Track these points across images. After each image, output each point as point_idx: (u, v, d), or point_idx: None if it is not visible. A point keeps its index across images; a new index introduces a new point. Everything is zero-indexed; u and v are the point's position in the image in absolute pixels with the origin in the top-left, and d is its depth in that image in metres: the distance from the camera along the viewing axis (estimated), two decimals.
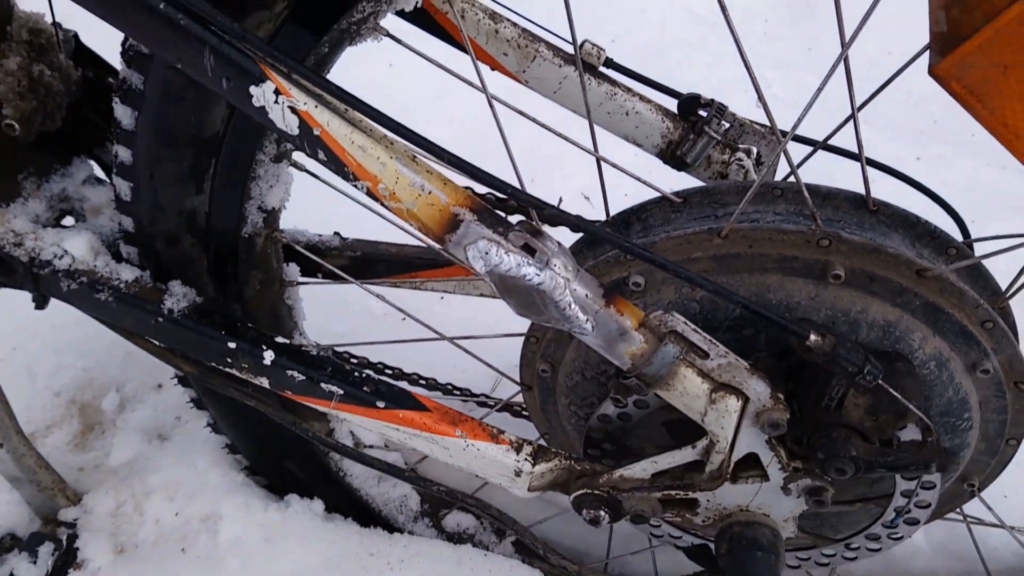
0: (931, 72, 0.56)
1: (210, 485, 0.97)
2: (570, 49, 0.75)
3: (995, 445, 0.72)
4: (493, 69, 0.76)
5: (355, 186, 0.57)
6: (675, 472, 0.69)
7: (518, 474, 0.73)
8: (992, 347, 0.65)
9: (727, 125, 0.77)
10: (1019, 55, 0.53)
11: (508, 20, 0.74)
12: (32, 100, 0.71)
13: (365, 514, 1.02)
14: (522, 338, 0.81)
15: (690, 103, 0.77)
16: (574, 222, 0.57)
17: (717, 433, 0.61)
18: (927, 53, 0.57)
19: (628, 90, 0.76)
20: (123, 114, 0.66)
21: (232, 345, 0.74)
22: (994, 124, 0.56)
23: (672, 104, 0.79)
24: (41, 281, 0.77)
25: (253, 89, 0.54)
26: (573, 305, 0.57)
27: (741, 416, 0.60)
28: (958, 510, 0.83)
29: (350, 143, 0.55)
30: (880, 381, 0.55)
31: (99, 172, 0.89)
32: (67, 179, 0.83)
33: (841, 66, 0.57)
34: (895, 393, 0.57)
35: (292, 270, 0.86)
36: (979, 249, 0.70)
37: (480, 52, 0.75)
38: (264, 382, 0.75)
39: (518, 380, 0.83)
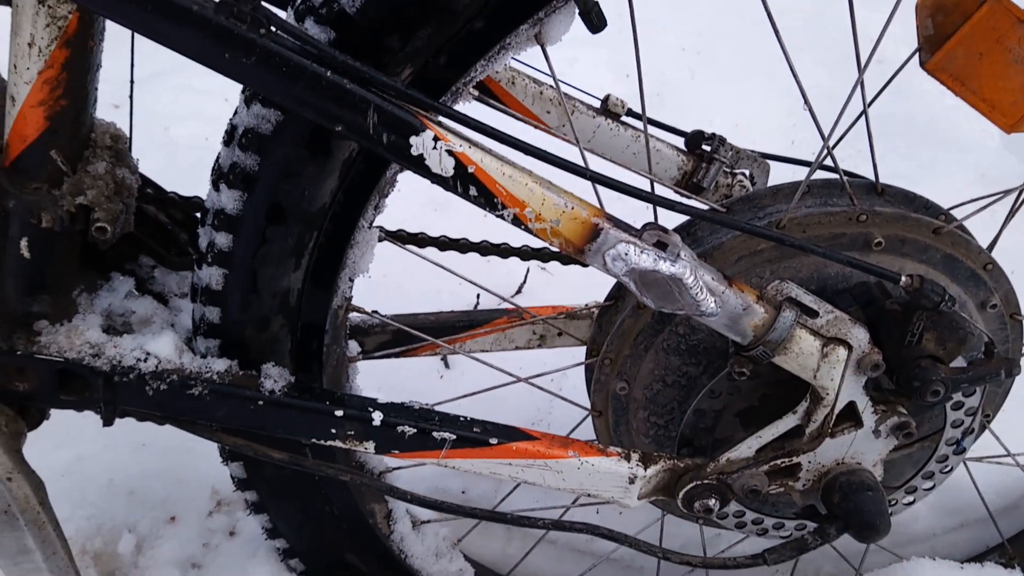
0: (924, 67, 0.72)
1: None
2: (598, 104, 0.87)
3: (1005, 376, 0.87)
4: (536, 127, 0.86)
5: (500, 215, 0.64)
6: (776, 443, 0.77)
7: (632, 480, 0.78)
8: (994, 286, 0.81)
9: (730, 152, 0.90)
10: (991, 43, 0.70)
11: (547, 84, 0.85)
12: (119, 202, 0.72)
13: None
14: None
15: (696, 138, 0.90)
16: (700, 214, 0.66)
17: (827, 386, 0.71)
18: (917, 56, 0.73)
19: (646, 133, 0.89)
20: (227, 199, 0.69)
21: (339, 413, 0.75)
22: (976, 101, 0.72)
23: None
24: (121, 390, 0.75)
25: (413, 139, 0.60)
26: (704, 289, 0.65)
27: (847, 364, 0.70)
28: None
29: (501, 175, 0.62)
30: (954, 308, 0.68)
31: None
32: (111, 294, 0.82)
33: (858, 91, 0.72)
34: (965, 317, 0.69)
35: (351, 347, 0.89)
36: (958, 215, 0.87)
37: (527, 112, 0.85)
38: (370, 446, 0.77)
39: (588, 407, 0.89)
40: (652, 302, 0.66)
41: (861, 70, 0.73)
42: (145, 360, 0.74)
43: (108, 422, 0.78)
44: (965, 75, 0.72)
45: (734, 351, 0.72)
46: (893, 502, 0.89)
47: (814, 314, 0.69)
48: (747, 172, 0.92)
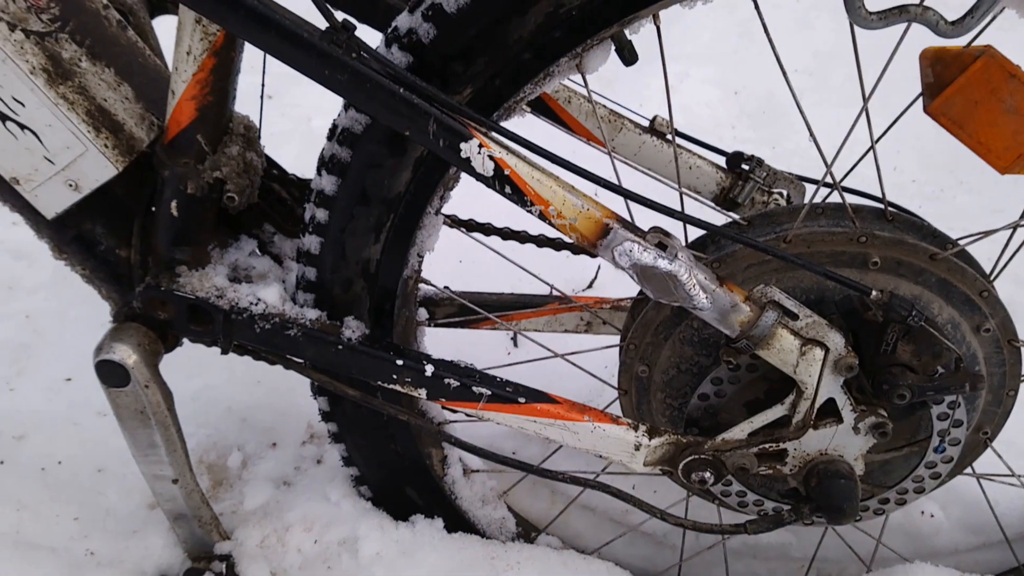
0: (926, 111, 0.80)
1: (344, 513, 1.11)
2: (645, 123, 0.99)
3: (999, 395, 0.93)
4: (589, 140, 0.99)
5: (529, 210, 0.78)
6: (767, 429, 0.87)
7: (637, 448, 0.90)
8: (989, 312, 0.87)
9: (764, 173, 1.00)
10: (985, 93, 0.77)
11: (600, 104, 0.98)
12: (246, 178, 0.91)
13: (472, 533, 1.16)
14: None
15: (736, 158, 1.01)
16: (698, 223, 0.78)
17: (805, 381, 0.81)
18: (920, 99, 0.81)
19: (690, 151, 1.00)
20: (327, 183, 0.86)
21: (400, 363, 0.91)
22: (973, 144, 0.79)
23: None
24: (235, 327, 0.94)
25: (463, 145, 0.75)
26: (696, 287, 0.77)
27: (823, 364, 0.80)
28: (971, 469, 1.03)
29: (531, 178, 0.76)
30: (923, 323, 0.76)
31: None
32: (238, 251, 1.01)
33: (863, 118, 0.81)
34: (934, 332, 0.78)
35: (420, 314, 1.05)
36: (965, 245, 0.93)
37: (580, 128, 0.99)
38: (423, 392, 0.93)
39: (615, 386, 1.02)
40: (651, 293, 0.78)
41: (865, 99, 0.82)
42: (256, 304, 0.93)
43: (225, 351, 0.97)
44: (962, 120, 0.80)
45: (724, 342, 0.83)
46: (886, 501, 0.97)
47: (795, 316, 0.79)
48: (783, 192, 1.02)
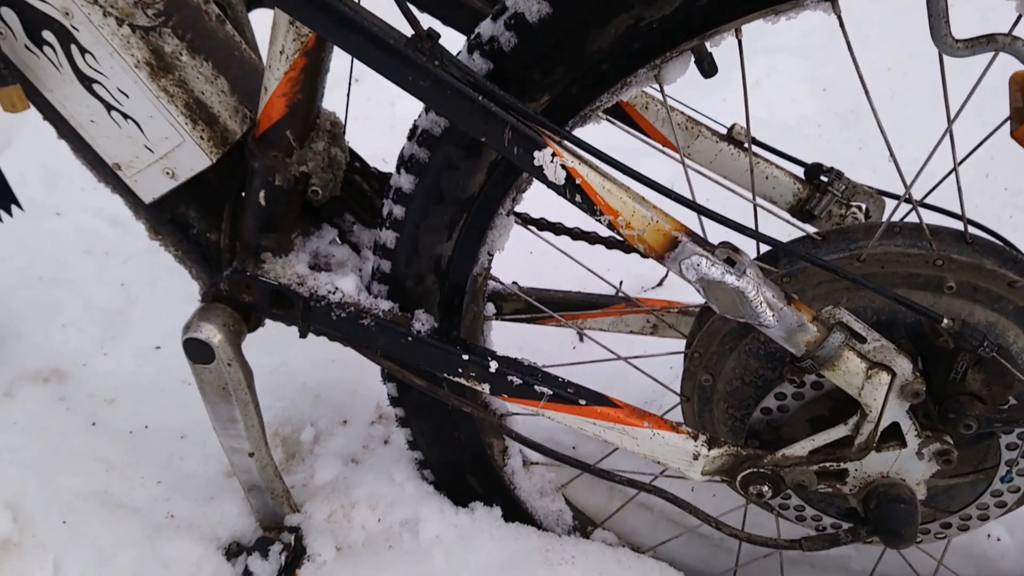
0: (1012, 135, 0.78)
1: (407, 495, 1.15)
2: (723, 131, 0.99)
3: None
4: (664, 146, 0.99)
5: (599, 220, 0.79)
6: (828, 448, 0.87)
7: (696, 457, 0.91)
8: None
9: (844, 187, 0.98)
10: None
11: (678, 110, 0.98)
12: (331, 173, 0.95)
13: (529, 523, 1.18)
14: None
15: (815, 169, 0.99)
16: (766, 239, 0.78)
17: (870, 404, 0.80)
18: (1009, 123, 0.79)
19: (767, 161, 0.99)
20: (404, 181, 0.89)
21: (465, 357, 0.94)
22: None
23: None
24: (314, 313, 0.98)
25: (536, 153, 0.76)
26: (763, 304, 0.76)
27: (890, 388, 0.79)
28: None
29: (601, 188, 0.77)
30: (995, 354, 0.74)
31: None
32: (319, 240, 1.05)
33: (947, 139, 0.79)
34: (1004, 363, 0.76)
35: (488, 308, 1.07)
36: None
37: (656, 134, 0.99)
38: (486, 388, 0.95)
39: (677, 392, 1.02)
40: (717, 308, 0.78)
41: (950, 122, 0.80)
42: (334, 293, 0.97)
43: (303, 335, 1.01)
44: None
45: (789, 360, 0.82)
46: (948, 526, 0.95)
47: (862, 339, 0.78)
48: (862, 206, 1.00)
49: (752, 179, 0.89)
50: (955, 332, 0.74)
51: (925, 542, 1.00)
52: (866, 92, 0.80)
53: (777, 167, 0.99)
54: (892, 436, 0.83)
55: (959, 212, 0.87)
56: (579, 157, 0.76)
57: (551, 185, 0.78)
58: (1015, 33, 0.64)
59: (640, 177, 0.75)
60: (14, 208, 1.08)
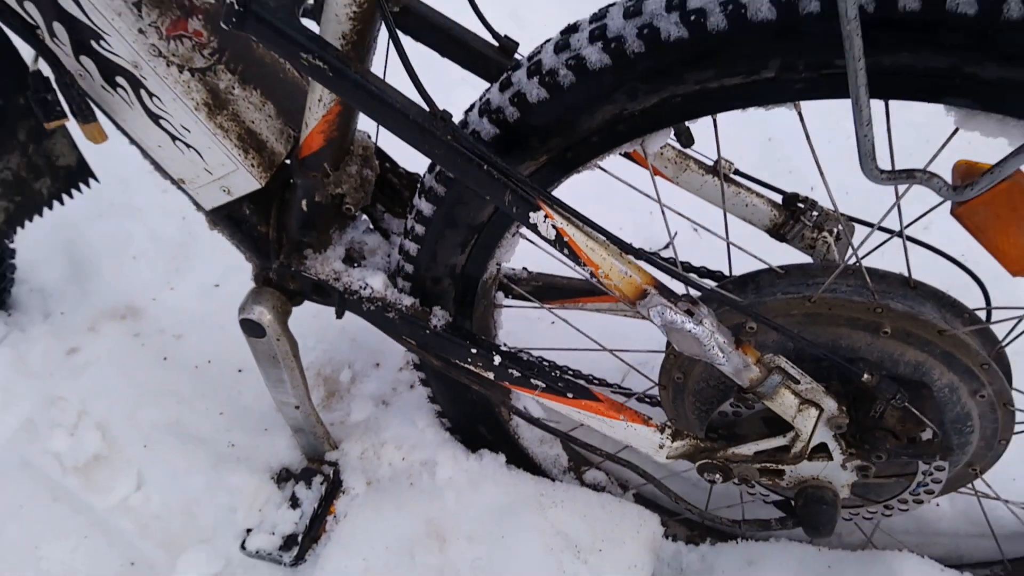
0: (952, 213, 0.88)
1: (427, 440, 1.35)
2: (709, 163, 1.09)
3: (991, 443, 1.04)
4: (656, 175, 1.10)
5: (582, 270, 0.92)
6: (770, 452, 1.03)
7: (661, 447, 1.08)
8: (987, 380, 0.97)
9: (817, 214, 1.09)
10: (1007, 210, 0.84)
11: (669, 145, 1.08)
12: (361, 192, 1.08)
13: (531, 466, 1.38)
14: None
15: (791, 198, 1.10)
16: (712, 293, 0.91)
17: (802, 429, 0.95)
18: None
19: (748, 189, 1.10)
20: (425, 207, 1.02)
21: (474, 351, 1.10)
22: (991, 248, 0.87)
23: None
24: (348, 303, 1.15)
25: (532, 213, 0.89)
26: (716, 347, 0.91)
27: (817, 420, 0.94)
28: (971, 486, 1.16)
29: (585, 245, 0.90)
30: (905, 404, 0.88)
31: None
32: (354, 230, 1.20)
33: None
34: (914, 411, 0.90)
35: (498, 296, 1.23)
36: (995, 313, 1.02)
37: (646, 162, 1.09)
38: (491, 375, 1.12)
39: (656, 380, 1.18)
40: (678, 347, 0.93)
41: (898, 197, 0.90)
42: (364, 288, 1.13)
43: (339, 317, 1.18)
44: (984, 227, 0.87)
45: (736, 389, 0.97)
46: (875, 511, 1.12)
47: (796, 381, 0.92)
48: (833, 231, 1.10)
49: (725, 218, 1.00)
50: (873, 385, 0.88)
51: (863, 517, 1.17)
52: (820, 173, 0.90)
53: (756, 195, 1.10)
54: (821, 450, 0.99)
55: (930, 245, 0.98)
56: (567, 219, 0.89)
57: (543, 238, 0.91)
58: (932, 170, 0.74)
59: (616, 239, 0.88)
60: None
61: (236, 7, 0.83)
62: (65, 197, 1.26)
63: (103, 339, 1.51)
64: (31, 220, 1.24)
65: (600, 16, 0.83)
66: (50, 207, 1.25)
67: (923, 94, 0.74)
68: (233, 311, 1.55)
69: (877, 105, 0.72)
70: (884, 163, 0.73)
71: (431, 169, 1.00)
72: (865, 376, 0.88)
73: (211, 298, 1.61)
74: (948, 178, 0.87)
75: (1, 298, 1.57)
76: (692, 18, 0.75)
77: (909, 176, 0.73)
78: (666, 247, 1.52)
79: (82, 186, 1.27)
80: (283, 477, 1.36)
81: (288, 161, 1.08)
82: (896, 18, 0.69)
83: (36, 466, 1.34)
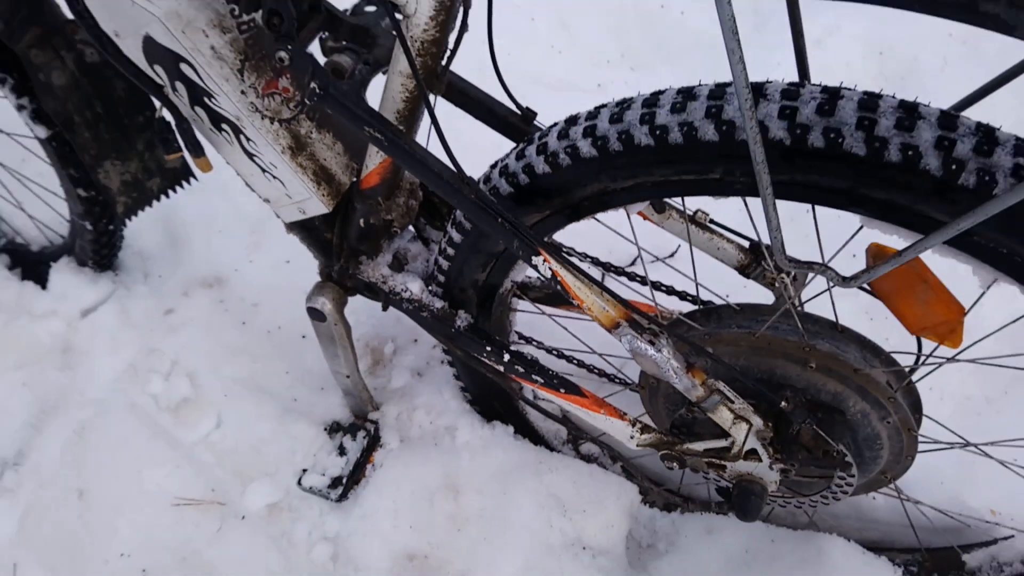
0: (876, 284, 1.09)
1: (451, 408, 1.63)
2: (690, 213, 1.31)
3: (899, 458, 1.27)
4: (645, 219, 1.33)
5: (571, 303, 1.16)
6: (714, 450, 1.28)
7: (632, 437, 1.33)
8: (893, 410, 1.20)
9: (774, 260, 1.30)
10: (905, 287, 1.05)
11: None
12: (408, 218, 1.34)
13: (535, 437, 1.65)
14: None
15: (755, 245, 1.31)
16: (678, 322, 1.15)
17: (736, 438, 1.20)
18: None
19: (720, 235, 1.32)
20: (455, 235, 1.27)
21: (488, 348, 1.36)
22: (894, 311, 1.09)
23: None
24: (392, 301, 1.41)
25: (534, 257, 1.13)
26: (671, 371, 1.15)
27: (748, 433, 1.18)
28: (893, 485, 1.39)
29: (574, 284, 1.14)
30: (814, 427, 1.12)
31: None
32: (400, 240, 1.46)
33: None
34: (821, 433, 1.13)
35: (513, 301, 1.48)
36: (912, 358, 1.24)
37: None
38: (500, 367, 1.38)
39: (637, 382, 1.43)
40: (642, 368, 1.17)
41: (825, 262, 1.12)
42: (405, 291, 1.39)
43: (384, 310, 1.45)
44: (888, 297, 1.09)
45: (687, 402, 1.22)
46: (802, 503, 1.36)
47: (732, 401, 1.16)
48: (791, 272, 1.31)
49: (692, 261, 1.23)
50: (789, 411, 1.12)
51: (794, 506, 1.42)
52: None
53: (727, 240, 1.32)
54: (753, 454, 1.24)
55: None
56: (561, 264, 1.13)
57: (541, 275, 1.15)
58: (829, 263, 0.96)
59: (595, 282, 1.12)
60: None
61: (318, 90, 1.07)
62: (170, 192, 1.55)
63: (194, 303, 1.81)
64: (143, 210, 1.53)
65: (593, 115, 1.05)
66: (159, 200, 1.54)
67: (832, 203, 0.96)
68: (300, 285, 1.84)
69: (797, 208, 0.94)
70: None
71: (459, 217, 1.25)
72: (783, 403, 1.12)
73: (283, 272, 1.90)
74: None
75: (110, 260, 1.88)
76: (658, 132, 0.97)
77: (810, 267, 0.96)
78: (644, 282, 1.74)
79: (184, 183, 1.55)
80: (334, 429, 1.65)
81: (352, 187, 1.33)
82: (806, 151, 0.91)
83: (139, 405, 1.66)
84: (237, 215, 2.01)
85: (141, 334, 1.78)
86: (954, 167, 0.85)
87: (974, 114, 0.90)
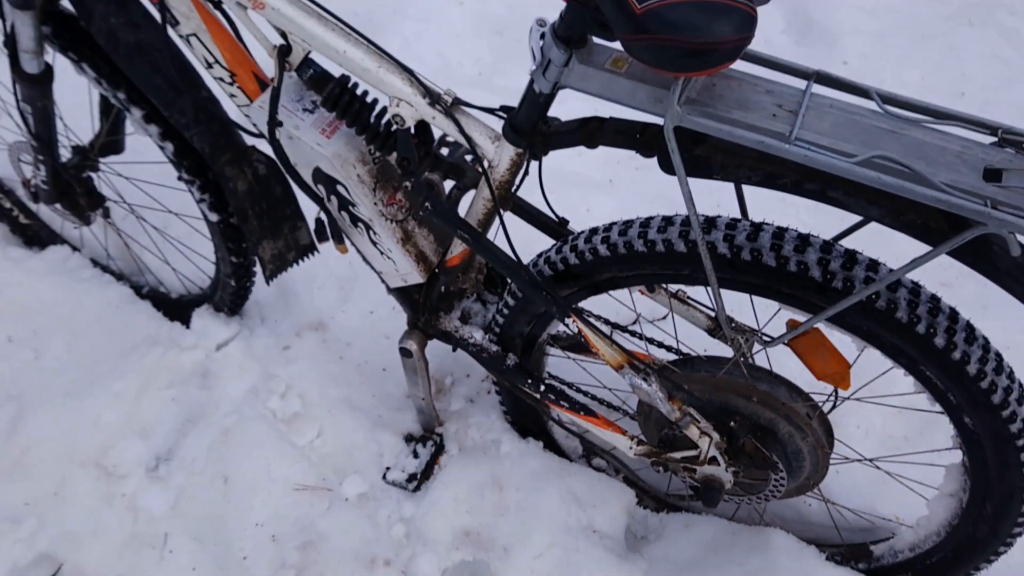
0: (786, 343, 1.59)
1: (496, 427, 2.12)
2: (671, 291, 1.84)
3: (817, 468, 1.75)
4: (642, 294, 1.84)
5: (592, 352, 1.67)
6: (687, 458, 1.77)
7: (630, 449, 1.82)
8: (810, 433, 1.68)
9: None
10: (809, 348, 1.55)
11: None
12: (476, 287, 1.86)
13: (558, 451, 2.14)
14: None
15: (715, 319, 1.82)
16: (664, 368, 1.66)
17: (702, 448, 1.69)
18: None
19: (693, 307, 1.83)
20: (511, 301, 1.79)
21: (529, 381, 1.86)
22: (806, 364, 1.58)
23: None
24: (461, 344, 1.92)
25: (566, 319, 1.64)
26: (658, 399, 1.65)
27: (710, 444, 1.67)
28: (818, 490, 1.87)
29: (592, 337, 1.64)
30: (754, 441, 1.61)
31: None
32: (466, 301, 1.98)
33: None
34: (759, 446, 1.62)
35: (547, 348, 1.99)
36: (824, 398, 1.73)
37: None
38: (537, 395, 1.88)
39: (634, 409, 1.92)
40: (637, 395, 1.67)
41: (758, 329, 1.62)
42: (471, 338, 1.90)
43: (454, 351, 1.96)
44: (801, 354, 1.58)
45: (669, 423, 1.71)
46: (751, 500, 1.84)
47: (699, 421, 1.66)
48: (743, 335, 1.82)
49: (674, 324, 1.74)
50: (737, 429, 1.61)
51: (746, 503, 1.90)
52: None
53: (698, 311, 1.83)
54: (714, 460, 1.73)
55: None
56: (584, 323, 1.64)
57: (570, 331, 1.66)
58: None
59: (608, 339, 1.63)
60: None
61: (426, 206, 1.60)
62: (301, 261, 2.08)
63: (304, 341, 2.32)
64: (282, 274, 2.06)
65: (607, 229, 1.57)
66: (293, 267, 2.07)
67: (757, 293, 1.47)
68: (381, 330, 2.36)
69: (738, 296, 1.45)
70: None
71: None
72: (733, 424, 1.62)
73: (368, 320, 2.42)
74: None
75: (239, 308, 2.41)
76: (650, 243, 1.49)
77: (742, 332, 1.47)
78: (640, 338, 2.25)
79: (310, 255, 2.08)
80: (409, 439, 2.15)
81: (438, 265, 1.86)
82: (739, 262, 1.42)
83: (263, 416, 2.17)
84: (330, 276, 2.54)
85: (261, 364, 2.29)
86: (829, 276, 1.36)
87: (846, 243, 1.41)
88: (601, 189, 2.73)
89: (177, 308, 2.47)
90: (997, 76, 3.14)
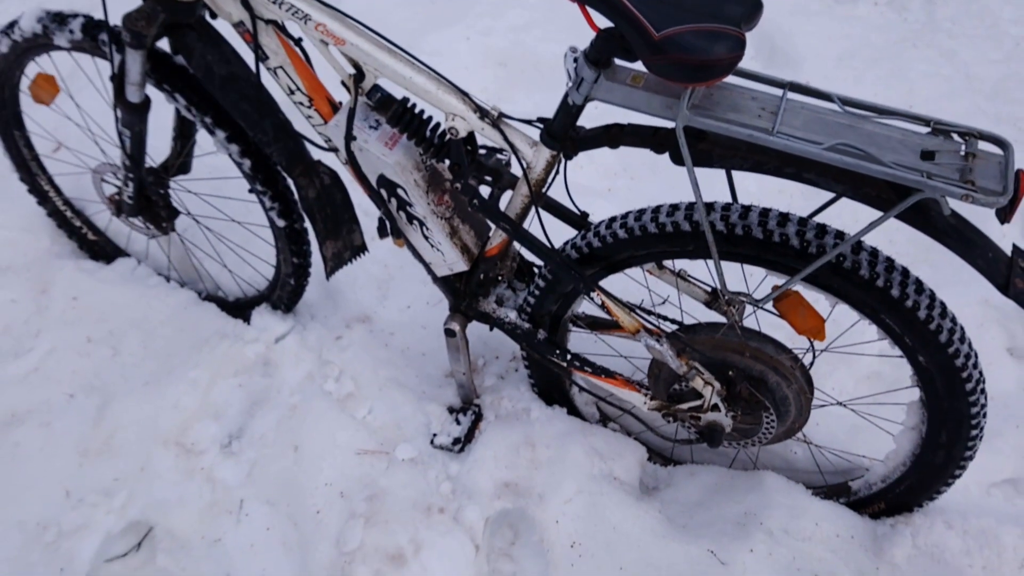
0: (775, 306, 1.88)
1: (525, 397, 2.39)
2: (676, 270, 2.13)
3: (802, 411, 2.04)
4: (650, 274, 2.14)
5: (612, 320, 1.96)
6: (693, 408, 2.05)
7: (645, 404, 2.10)
8: (794, 382, 1.97)
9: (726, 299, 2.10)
10: (792, 308, 1.84)
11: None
12: (510, 274, 2.14)
13: (580, 416, 2.42)
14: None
15: (714, 291, 2.12)
16: (674, 332, 1.94)
17: (705, 397, 1.97)
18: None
19: (694, 283, 2.12)
20: (541, 283, 2.07)
21: (557, 351, 2.14)
22: (789, 323, 1.87)
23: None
24: (497, 324, 2.20)
25: (591, 294, 1.93)
26: (668, 357, 1.93)
27: (712, 393, 1.95)
28: (802, 435, 2.15)
29: (614, 309, 1.93)
30: (749, 388, 1.90)
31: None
32: (499, 288, 2.25)
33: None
34: (754, 391, 1.91)
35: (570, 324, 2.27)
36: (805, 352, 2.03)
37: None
38: (564, 364, 2.15)
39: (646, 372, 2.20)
40: (651, 354, 1.95)
41: (749, 293, 1.92)
42: (506, 318, 2.18)
43: (491, 330, 2.24)
44: (784, 313, 1.87)
45: (677, 377, 2.00)
46: (744, 444, 2.12)
47: (702, 373, 1.94)
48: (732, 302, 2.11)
49: (680, 300, 2.04)
50: (735, 379, 1.90)
51: (742, 447, 2.18)
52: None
53: (698, 287, 2.12)
54: (716, 408, 2.01)
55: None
56: (607, 297, 1.93)
57: (595, 304, 1.95)
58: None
59: (626, 306, 1.92)
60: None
61: (474, 200, 1.89)
62: (355, 259, 2.35)
63: (353, 331, 2.58)
64: (340, 270, 2.33)
65: (624, 216, 1.86)
66: (348, 264, 2.34)
67: (749, 263, 1.76)
68: (418, 321, 2.63)
69: (732, 269, 1.75)
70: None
71: (545, 266, 2.05)
72: (731, 374, 1.91)
73: (406, 313, 2.69)
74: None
75: (293, 305, 2.67)
76: (660, 225, 1.78)
77: (739, 295, 1.76)
78: (662, 302, 2.55)
79: (362, 254, 2.36)
80: (452, 410, 2.42)
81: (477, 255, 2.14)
82: (735, 237, 1.72)
83: (323, 396, 2.43)
84: (369, 278, 2.81)
85: (315, 353, 2.54)
86: (805, 243, 1.67)
87: (820, 218, 1.72)
88: (601, 197, 3.03)
89: (234, 310, 2.73)
90: (938, 91, 3.50)
